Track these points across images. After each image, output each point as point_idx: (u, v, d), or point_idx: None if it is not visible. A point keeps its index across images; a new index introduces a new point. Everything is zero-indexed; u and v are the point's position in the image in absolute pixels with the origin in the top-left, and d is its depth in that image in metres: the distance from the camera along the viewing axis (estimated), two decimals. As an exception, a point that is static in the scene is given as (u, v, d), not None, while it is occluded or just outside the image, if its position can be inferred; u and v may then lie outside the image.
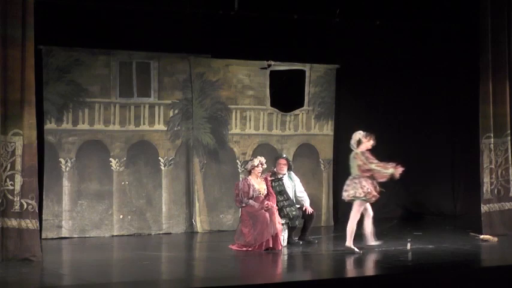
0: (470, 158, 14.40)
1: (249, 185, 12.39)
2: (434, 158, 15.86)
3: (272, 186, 12.57)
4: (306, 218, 12.90)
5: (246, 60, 14.75)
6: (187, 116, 14.32)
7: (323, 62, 15.29)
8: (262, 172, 12.59)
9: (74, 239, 13.44)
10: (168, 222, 14.19)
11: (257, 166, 12.48)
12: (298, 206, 12.84)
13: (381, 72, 15.53)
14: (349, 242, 11.94)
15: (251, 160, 12.69)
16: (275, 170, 12.80)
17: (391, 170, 11.85)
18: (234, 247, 12.29)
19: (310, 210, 12.88)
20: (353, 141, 12.21)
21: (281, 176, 12.79)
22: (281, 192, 12.64)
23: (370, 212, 12.25)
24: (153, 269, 10.90)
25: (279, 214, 12.41)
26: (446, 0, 14.80)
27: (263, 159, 12.60)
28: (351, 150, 15.74)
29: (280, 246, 12.13)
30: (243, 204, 12.36)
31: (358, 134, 12.19)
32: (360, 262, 11.32)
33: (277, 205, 12.43)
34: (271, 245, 12.05)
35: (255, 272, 11.00)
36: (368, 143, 12.11)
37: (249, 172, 12.52)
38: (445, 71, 15.75)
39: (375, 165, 11.91)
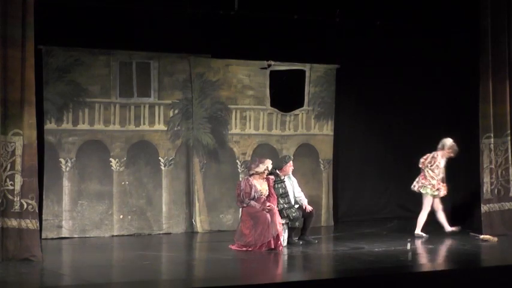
0: (470, 158, 14.39)
1: (250, 186, 12.38)
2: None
3: (274, 188, 12.57)
4: (306, 216, 12.89)
5: (246, 60, 14.74)
6: (187, 116, 14.32)
7: (323, 62, 15.28)
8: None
9: (74, 239, 13.44)
10: (168, 222, 14.19)
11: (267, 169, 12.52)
12: (297, 205, 12.84)
13: (381, 72, 15.52)
14: (417, 230, 13.54)
15: (261, 162, 12.59)
16: (278, 171, 12.78)
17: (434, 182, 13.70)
18: (234, 247, 12.29)
19: (309, 208, 12.89)
20: (440, 144, 13.71)
21: (283, 177, 12.80)
22: (283, 194, 12.65)
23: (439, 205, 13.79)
24: (153, 269, 10.90)
25: (279, 215, 12.42)
26: (446, 1, 14.79)
27: None
28: (350, 150, 15.87)
29: (281, 247, 12.14)
30: (244, 205, 12.36)
31: (449, 141, 13.72)
32: (360, 262, 11.32)
33: (277, 207, 12.43)
34: (272, 246, 12.06)
35: (255, 272, 11.00)
36: (447, 153, 13.67)
37: (253, 173, 12.49)
38: (445, 71, 15.74)
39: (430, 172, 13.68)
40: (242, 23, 14.25)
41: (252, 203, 12.30)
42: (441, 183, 13.67)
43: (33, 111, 11.13)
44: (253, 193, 12.34)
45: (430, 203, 13.64)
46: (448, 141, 13.66)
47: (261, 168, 12.50)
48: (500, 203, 13.55)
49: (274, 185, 12.58)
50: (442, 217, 13.80)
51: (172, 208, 14.24)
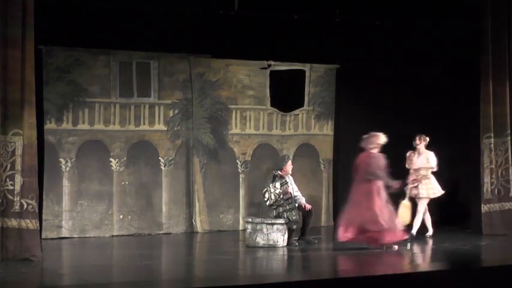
0: (470, 158, 14.40)
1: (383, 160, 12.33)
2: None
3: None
4: (305, 215, 12.88)
5: (246, 60, 14.75)
6: (187, 116, 14.33)
7: (323, 62, 15.29)
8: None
9: (74, 239, 13.44)
10: (168, 222, 14.19)
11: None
12: (296, 204, 12.83)
13: (381, 72, 15.51)
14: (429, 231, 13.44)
15: (377, 134, 12.49)
16: (280, 172, 12.75)
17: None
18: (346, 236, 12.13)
19: (308, 206, 12.88)
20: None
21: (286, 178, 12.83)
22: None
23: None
24: (153, 269, 10.90)
25: (280, 215, 12.45)
26: (446, 1, 14.78)
27: None
28: (350, 150, 15.84)
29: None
30: (375, 177, 12.15)
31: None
32: (360, 262, 11.32)
33: (280, 208, 12.45)
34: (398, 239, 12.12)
35: (255, 272, 11.00)
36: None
37: (374, 147, 12.41)
38: (445, 71, 15.73)
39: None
40: (242, 23, 14.25)
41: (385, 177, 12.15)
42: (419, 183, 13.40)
43: (33, 111, 11.12)
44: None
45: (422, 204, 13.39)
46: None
47: (382, 139, 12.42)
48: (500, 203, 13.55)
49: (276, 183, 12.58)
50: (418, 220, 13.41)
51: (172, 208, 14.24)
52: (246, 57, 14.68)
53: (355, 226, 12.03)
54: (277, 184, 12.61)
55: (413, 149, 13.55)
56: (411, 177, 13.37)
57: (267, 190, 12.62)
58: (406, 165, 13.49)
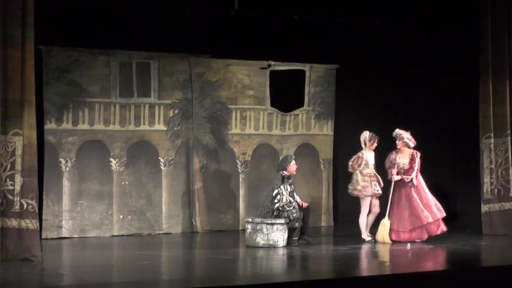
0: (470, 158, 14.40)
1: None
2: (434, 158, 15.87)
3: (291, 189, 12.64)
4: (304, 212, 12.87)
5: (246, 60, 14.75)
6: (187, 116, 14.33)
7: (323, 62, 15.29)
8: None
9: (74, 239, 13.45)
10: (168, 222, 14.19)
11: None
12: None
13: (381, 72, 15.52)
14: (363, 234, 13.01)
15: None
16: (285, 173, 12.74)
17: (359, 188, 13.15)
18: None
19: (305, 204, 12.89)
20: (362, 141, 13.30)
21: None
22: (290, 193, 12.67)
23: (375, 209, 13.14)
24: (153, 269, 10.90)
25: (280, 215, 12.46)
26: (446, 1, 14.79)
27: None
28: (350, 150, 15.85)
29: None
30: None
31: (367, 134, 13.29)
32: (359, 262, 11.32)
33: (282, 207, 12.48)
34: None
35: (255, 272, 11.00)
36: (370, 146, 13.23)
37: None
38: (445, 71, 15.75)
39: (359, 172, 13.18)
40: (242, 23, 14.26)
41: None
42: (376, 182, 13.05)
43: (33, 111, 11.12)
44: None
45: (368, 204, 13.07)
46: (366, 134, 13.20)
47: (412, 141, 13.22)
48: (500, 203, 13.55)
49: (286, 185, 12.61)
50: (369, 221, 13.11)
51: (172, 208, 14.24)
52: (246, 57, 14.68)
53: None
54: (288, 186, 12.66)
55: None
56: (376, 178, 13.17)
57: (279, 192, 12.60)
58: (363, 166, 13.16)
